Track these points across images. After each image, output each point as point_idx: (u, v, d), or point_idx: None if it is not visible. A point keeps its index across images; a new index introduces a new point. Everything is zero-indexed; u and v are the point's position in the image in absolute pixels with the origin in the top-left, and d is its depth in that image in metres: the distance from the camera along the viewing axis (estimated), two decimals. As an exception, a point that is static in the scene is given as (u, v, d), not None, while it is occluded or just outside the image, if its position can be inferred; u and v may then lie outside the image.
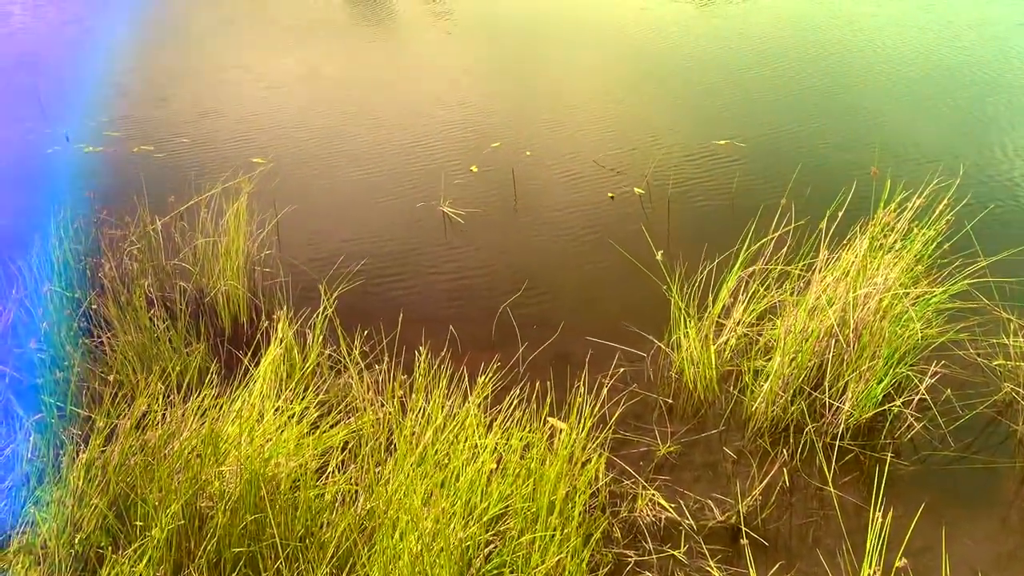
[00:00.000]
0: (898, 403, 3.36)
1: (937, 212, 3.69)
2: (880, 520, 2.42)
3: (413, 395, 3.15)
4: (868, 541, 2.34)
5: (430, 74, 8.24)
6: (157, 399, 3.01)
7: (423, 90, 7.70)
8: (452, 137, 6.49)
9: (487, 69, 8.46)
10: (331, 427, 3.17)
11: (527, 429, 2.97)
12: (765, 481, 3.14)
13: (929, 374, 3.37)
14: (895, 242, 3.62)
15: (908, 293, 3.49)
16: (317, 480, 2.89)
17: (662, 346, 3.85)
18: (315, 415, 3.17)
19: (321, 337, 3.58)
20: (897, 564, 2.28)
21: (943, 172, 3.98)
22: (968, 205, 3.96)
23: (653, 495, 3.08)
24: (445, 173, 5.75)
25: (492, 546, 2.65)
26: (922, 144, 6.05)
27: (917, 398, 3.35)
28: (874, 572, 2.30)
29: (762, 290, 3.83)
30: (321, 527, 2.70)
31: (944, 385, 3.50)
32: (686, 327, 3.69)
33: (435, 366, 3.31)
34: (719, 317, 3.78)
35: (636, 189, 5.52)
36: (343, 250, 4.78)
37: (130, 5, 11.71)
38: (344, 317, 3.76)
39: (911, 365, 3.45)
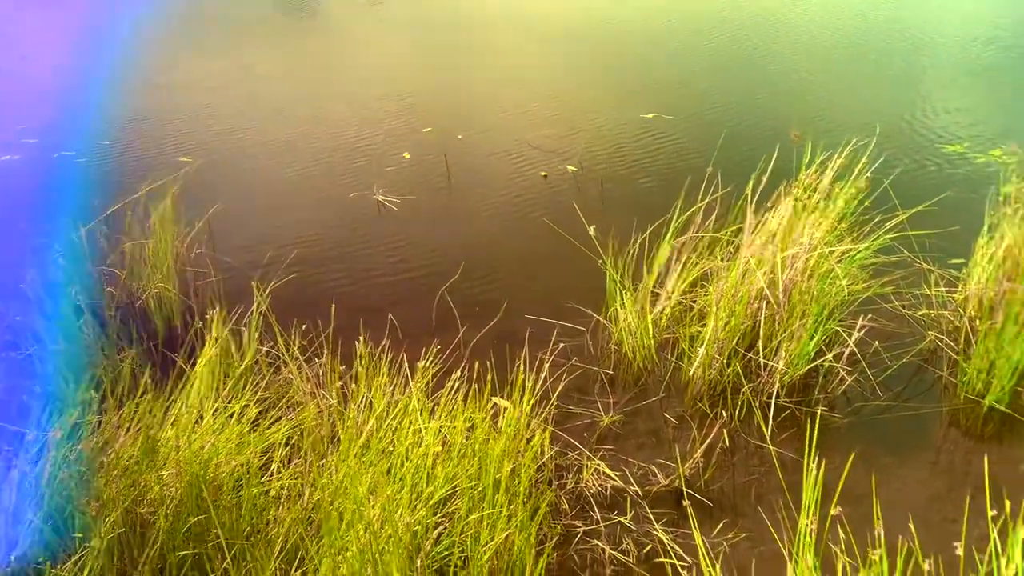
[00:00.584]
0: (829, 358, 3.47)
1: (856, 171, 3.80)
2: (815, 472, 2.49)
3: (355, 385, 3.14)
4: (804, 493, 2.42)
5: (362, 65, 8.15)
6: (90, 408, 2.95)
7: (355, 82, 7.61)
8: (384, 126, 6.44)
9: (418, 57, 8.40)
10: (273, 423, 3.14)
11: (471, 410, 2.98)
12: (706, 443, 3.21)
13: (857, 328, 3.48)
14: (818, 202, 3.72)
15: (833, 251, 3.59)
16: (261, 477, 2.86)
17: (600, 319, 3.89)
18: (256, 412, 3.13)
19: (257, 334, 3.53)
20: (832, 512, 2.36)
21: (861, 132, 4.10)
22: (885, 163, 4.09)
23: (598, 465, 3.13)
24: (377, 162, 5.71)
25: (441, 528, 2.66)
26: (841, 107, 6.21)
27: (847, 352, 3.46)
28: (811, 522, 2.37)
29: (694, 258, 3.90)
30: (268, 524, 2.68)
31: (872, 338, 3.62)
32: (622, 299, 3.74)
33: (376, 355, 3.30)
34: (654, 287, 3.84)
35: (569, 167, 5.55)
36: (277, 245, 4.71)
37: (49, 9, 11.29)
38: (281, 312, 3.71)
39: (840, 321, 3.56)
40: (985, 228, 3.94)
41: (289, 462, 2.94)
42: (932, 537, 2.50)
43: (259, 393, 3.28)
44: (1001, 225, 3.85)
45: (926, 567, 2.28)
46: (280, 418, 3.18)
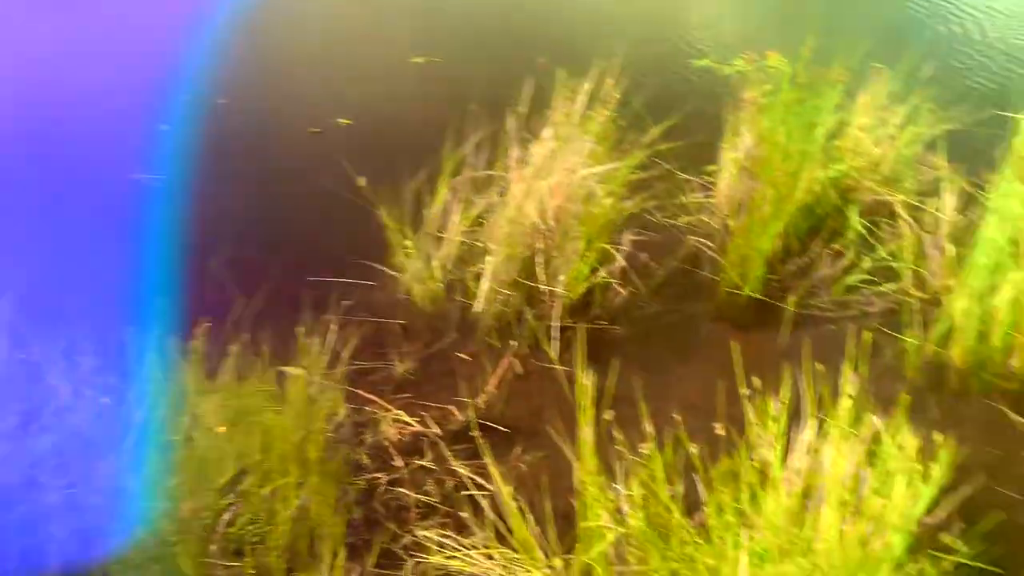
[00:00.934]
0: (602, 274, 3.65)
1: (608, 94, 3.96)
2: (592, 383, 2.64)
3: (125, 380, 2.94)
4: (579, 403, 2.56)
5: (105, 33, 7.43)
6: None
7: (103, 52, 6.93)
8: (136, 94, 5.94)
9: (167, 18, 7.79)
10: (40, 434, 2.89)
11: (255, 383, 2.89)
12: (499, 374, 3.31)
13: (626, 243, 3.69)
14: (575, 128, 3.85)
15: (595, 173, 3.75)
16: (30, 492, 2.64)
17: (388, 271, 3.87)
18: (16, 424, 2.88)
19: (7, 342, 3.21)
20: (605, 417, 2.52)
21: (611, 55, 4.24)
22: (636, 83, 4.25)
23: (397, 415, 3.15)
24: (132, 136, 5.27)
25: (234, 508, 2.58)
26: (587, 35, 6.43)
27: (619, 267, 3.67)
28: (590, 429, 2.52)
29: (471, 197, 3.95)
30: (43, 541, 2.49)
31: (640, 251, 3.85)
32: (407, 248, 3.73)
33: (148, 344, 3.10)
34: (436, 232, 3.86)
35: (342, 120, 5.41)
36: (19, 239, 4.23)
37: None
38: (34, 315, 3.39)
39: (610, 239, 3.75)
40: (729, 134, 4.26)
41: (59, 471, 2.73)
42: (699, 423, 2.72)
43: (18, 404, 3.00)
44: (741, 130, 4.18)
45: (693, 450, 2.49)
46: (47, 427, 2.94)
